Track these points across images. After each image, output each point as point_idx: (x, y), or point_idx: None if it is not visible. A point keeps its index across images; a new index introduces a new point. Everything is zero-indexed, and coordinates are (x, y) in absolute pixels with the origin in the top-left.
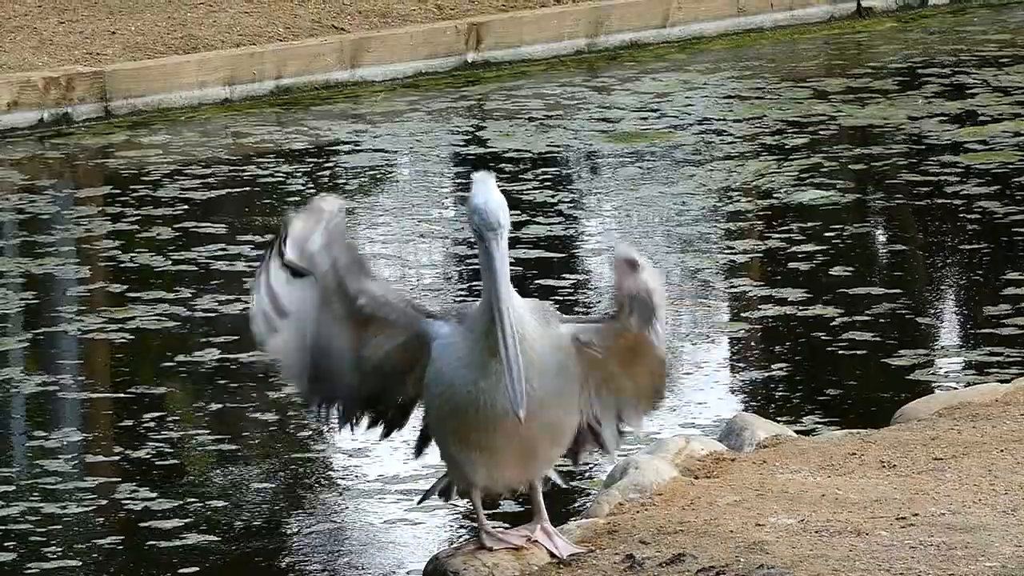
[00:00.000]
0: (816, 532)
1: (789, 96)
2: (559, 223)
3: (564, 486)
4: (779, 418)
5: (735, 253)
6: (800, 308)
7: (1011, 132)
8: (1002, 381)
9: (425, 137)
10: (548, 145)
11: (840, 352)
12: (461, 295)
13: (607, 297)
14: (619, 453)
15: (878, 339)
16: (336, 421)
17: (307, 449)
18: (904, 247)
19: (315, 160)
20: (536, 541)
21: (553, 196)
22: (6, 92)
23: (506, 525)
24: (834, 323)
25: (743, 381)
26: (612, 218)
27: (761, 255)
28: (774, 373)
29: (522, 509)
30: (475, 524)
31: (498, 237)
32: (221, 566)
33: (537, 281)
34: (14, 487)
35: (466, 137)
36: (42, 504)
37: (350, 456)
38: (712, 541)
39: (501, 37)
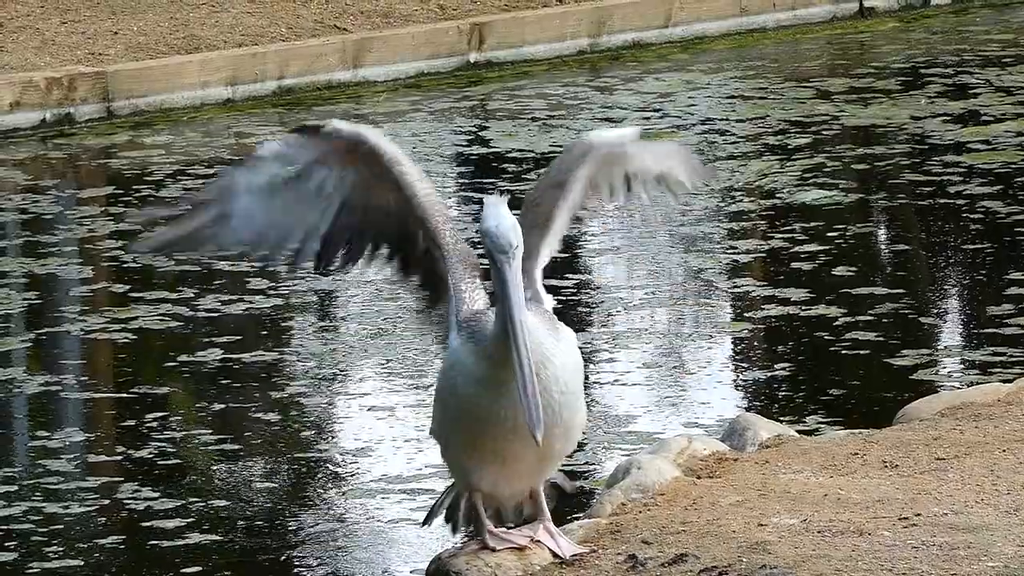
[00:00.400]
0: (819, 532)
1: (792, 96)
2: None
3: (571, 491)
4: (782, 418)
5: (738, 253)
6: (803, 308)
7: (1014, 132)
8: (1005, 381)
9: (428, 137)
10: (551, 145)
11: (843, 352)
12: None
13: (609, 297)
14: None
15: (881, 339)
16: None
17: (309, 448)
18: (907, 247)
19: None
20: (539, 541)
21: None
22: (8, 92)
23: (509, 525)
24: (837, 323)
25: (746, 381)
26: (615, 218)
27: (764, 255)
28: (777, 373)
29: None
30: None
31: (510, 259)
32: (223, 566)
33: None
34: (17, 487)
35: (469, 137)
36: (44, 504)
37: (353, 455)
38: (714, 541)
39: (503, 37)
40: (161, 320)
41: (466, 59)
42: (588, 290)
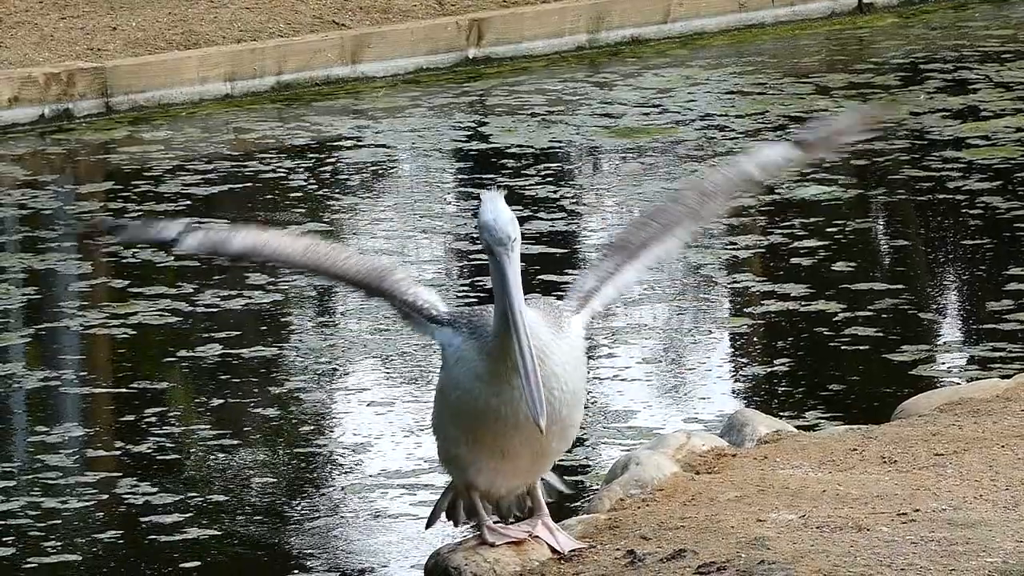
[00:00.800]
0: (817, 528)
1: (791, 92)
2: (561, 219)
3: (568, 492)
4: (781, 413)
5: (737, 249)
6: (802, 304)
7: (1013, 127)
8: (1004, 376)
9: (427, 133)
10: (550, 141)
11: (842, 348)
12: (463, 290)
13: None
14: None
15: (880, 335)
16: None
17: (308, 444)
18: (906, 242)
19: (317, 156)
20: (537, 536)
21: (555, 192)
22: (7, 88)
23: (510, 520)
24: (836, 318)
25: (745, 376)
26: (614, 214)
27: (763, 251)
28: (776, 368)
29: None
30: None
31: (508, 252)
32: (222, 560)
33: (539, 277)
34: (15, 482)
35: (468, 133)
36: (43, 499)
37: (352, 450)
38: (713, 537)
39: (502, 33)
40: (160, 315)
41: (465, 55)
42: None
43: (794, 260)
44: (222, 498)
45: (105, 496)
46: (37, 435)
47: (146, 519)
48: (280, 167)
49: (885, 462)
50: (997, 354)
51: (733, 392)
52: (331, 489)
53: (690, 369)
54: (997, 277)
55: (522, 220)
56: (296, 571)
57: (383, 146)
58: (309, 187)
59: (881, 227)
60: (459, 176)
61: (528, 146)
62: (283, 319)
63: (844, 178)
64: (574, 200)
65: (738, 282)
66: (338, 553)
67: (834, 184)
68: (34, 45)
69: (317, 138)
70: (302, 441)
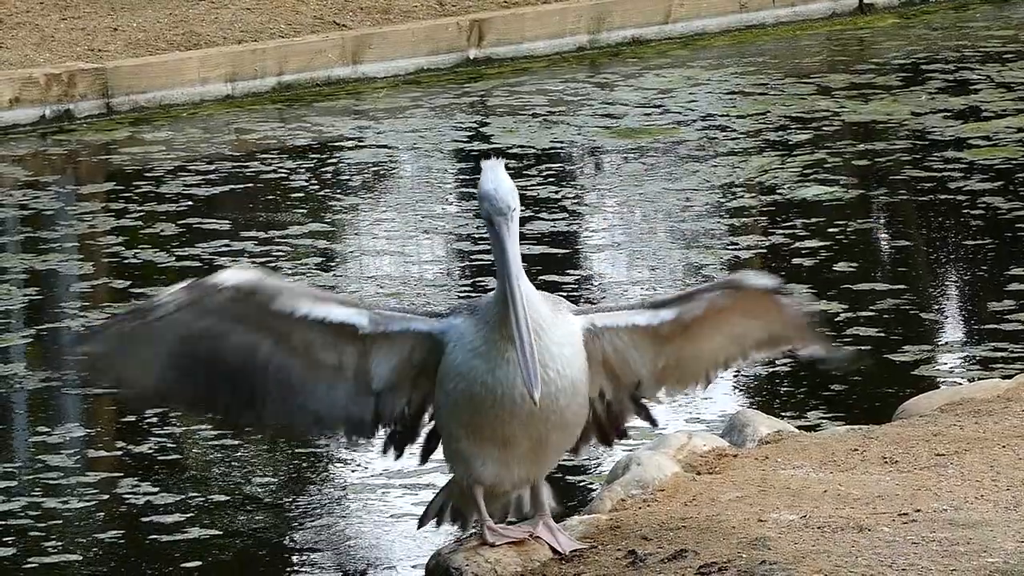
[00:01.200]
0: (818, 528)
1: (792, 92)
2: (563, 219)
3: (557, 509)
4: (783, 414)
5: (739, 249)
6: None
7: (1014, 128)
8: (1006, 377)
9: (428, 133)
10: (552, 141)
11: (844, 348)
12: (465, 290)
13: (610, 293)
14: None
15: (882, 335)
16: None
17: (310, 444)
18: (908, 243)
19: (318, 156)
20: (538, 537)
21: (557, 192)
22: (8, 88)
23: (514, 520)
24: (838, 319)
25: (747, 377)
26: (616, 214)
27: (765, 251)
28: (778, 369)
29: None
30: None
31: (508, 221)
32: (223, 560)
33: (541, 277)
34: (16, 482)
35: (469, 133)
36: (44, 499)
37: (353, 451)
38: (714, 537)
39: (503, 33)
40: None
41: (466, 55)
42: (589, 285)
43: (796, 260)
44: (223, 498)
45: (106, 496)
46: (38, 435)
47: (147, 519)
48: (281, 168)
49: (886, 462)
50: (998, 354)
51: (736, 392)
52: (333, 489)
53: None
54: (998, 277)
55: (523, 220)
56: (297, 570)
57: (384, 147)
58: (310, 188)
59: (882, 227)
60: (460, 177)
61: (529, 146)
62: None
63: (845, 178)
64: (575, 200)
65: None
66: (339, 553)
67: (836, 185)
68: (35, 46)
69: (318, 139)
70: (303, 442)
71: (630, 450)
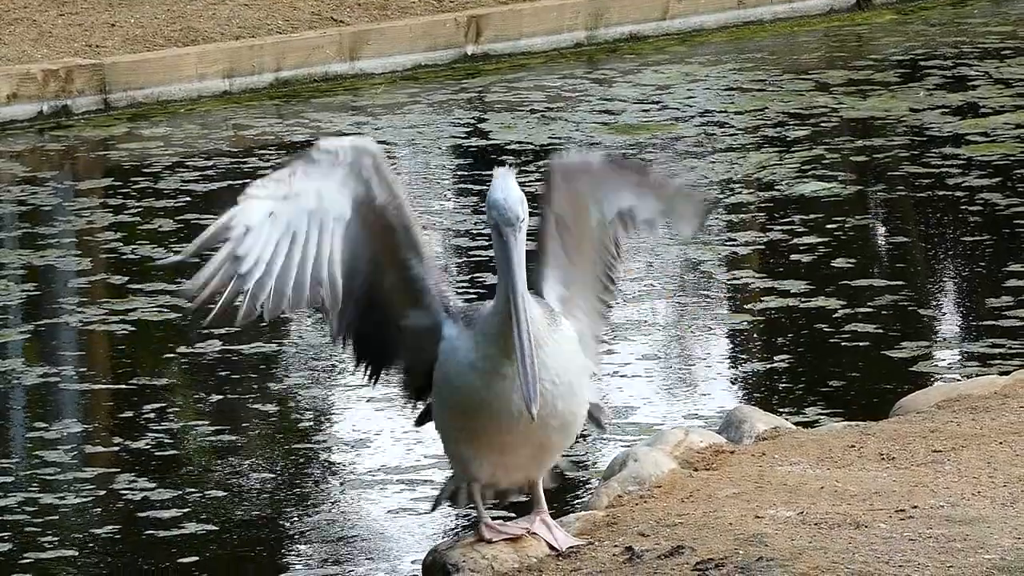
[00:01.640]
0: (815, 524)
1: (790, 88)
2: None
3: (570, 474)
4: (781, 410)
5: (737, 245)
6: (802, 300)
7: (1012, 124)
8: (1003, 373)
9: (426, 129)
10: (549, 137)
11: (842, 344)
12: (463, 287)
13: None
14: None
15: (880, 331)
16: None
17: (307, 440)
18: (906, 239)
19: None
20: (535, 533)
21: None
22: (5, 84)
23: (513, 515)
24: (836, 315)
25: (745, 373)
26: None
27: (763, 247)
28: (776, 365)
29: (524, 498)
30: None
31: (516, 231)
32: (220, 556)
33: None
34: (13, 478)
35: (467, 129)
36: (40, 494)
37: (351, 447)
38: (711, 533)
39: (500, 30)
40: (159, 312)
41: (463, 51)
42: None
43: (794, 256)
44: (220, 494)
45: (103, 492)
46: (36, 431)
47: (144, 515)
48: (279, 163)
49: (883, 459)
50: (996, 351)
51: (733, 388)
52: (330, 485)
53: (690, 365)
54: (996, 274)
55: None
56: (294, 566)
57: (382, 142)
58: None
59: (881, 223)
60: (458, 172)
61: (528, 142)
62: (282, 315)
63: (844, 174)
64: None
65: (738, 278)
66: (337, 549)
67: (834, 181)
68: (32, 42)
69: (316, 134)
70: (301, 437)
71: (627, 446)
